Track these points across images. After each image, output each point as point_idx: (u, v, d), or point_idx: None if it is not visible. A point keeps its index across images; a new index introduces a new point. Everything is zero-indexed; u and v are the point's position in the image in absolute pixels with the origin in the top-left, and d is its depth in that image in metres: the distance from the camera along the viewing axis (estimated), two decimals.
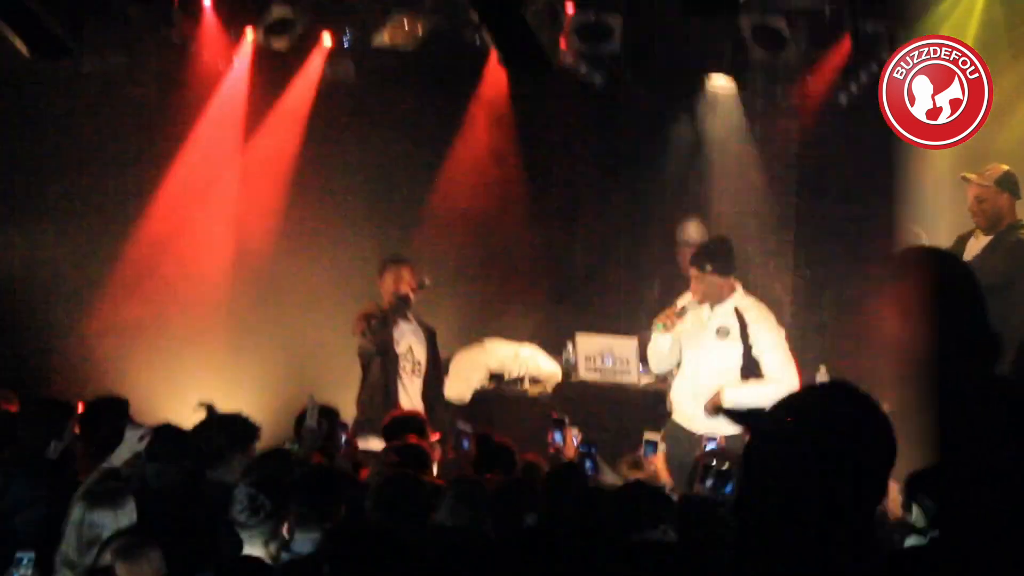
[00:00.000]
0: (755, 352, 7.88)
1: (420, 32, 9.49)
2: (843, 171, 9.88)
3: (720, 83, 9.71)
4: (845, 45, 9.41)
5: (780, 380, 7.78)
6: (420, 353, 8.80)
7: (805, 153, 9.96)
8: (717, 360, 7.96)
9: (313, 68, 10.25)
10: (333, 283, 10.04)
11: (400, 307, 8.68)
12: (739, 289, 8.01)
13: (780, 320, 9.55)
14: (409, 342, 8.78)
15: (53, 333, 9.92)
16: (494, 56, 9.64)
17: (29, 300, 9.91)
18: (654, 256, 9.53)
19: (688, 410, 8.08)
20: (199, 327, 10.33)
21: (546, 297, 9.18)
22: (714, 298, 7.99)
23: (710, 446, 7.32)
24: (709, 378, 7.97)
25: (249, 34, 9.99)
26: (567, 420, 7.47)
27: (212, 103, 10.34)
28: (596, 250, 10.11)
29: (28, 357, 9.63)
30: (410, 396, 8.71)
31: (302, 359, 10.02)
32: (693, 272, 7.97)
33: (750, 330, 7.89)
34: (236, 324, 10.36)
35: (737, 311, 7.94)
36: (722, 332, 7.95)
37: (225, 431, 6.35)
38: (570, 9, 9.22)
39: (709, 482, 6.36)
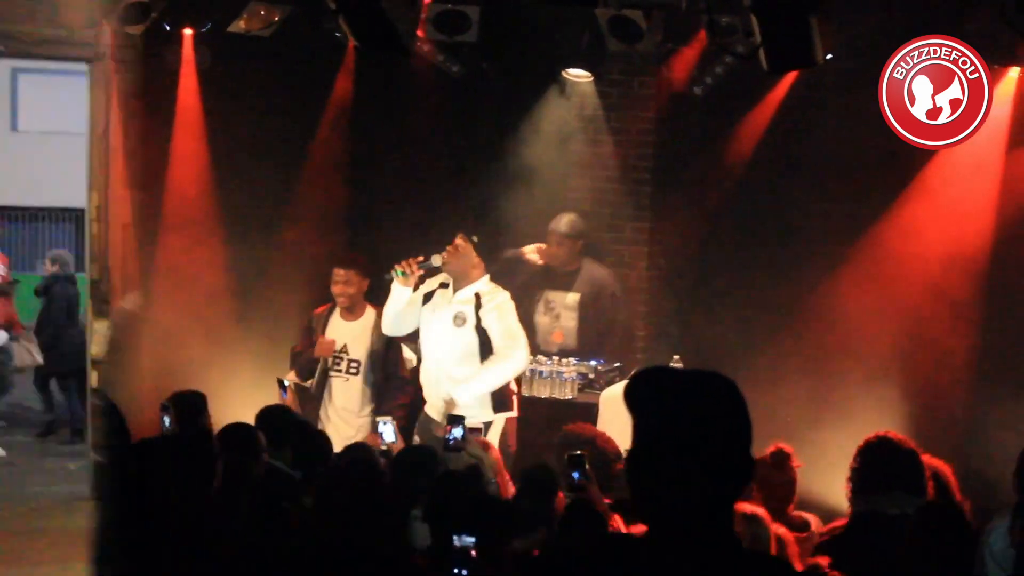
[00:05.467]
0: (489, 333, 8.05)
1: (276, 19, 9.39)
2: (698, 161, 10.01)
3: (577, 74, 9.76)
4: (701, 38, 9.51)
5: (509, 357, 7.99)
6: (357, 351, 8.63)
7: (660, 143, 10.07)
8: (456, 348, 8.09)
9: (185, 54, 10.10)
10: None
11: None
12: (486, 278, 8.21)
13: (634, 309, 9.70)
14: (344, 341, 8.64)
15: None
16: (351, 45, 9.59)
17: None
18: (508, 247, 9.57)
19: (435, 400, 8.20)
20: None
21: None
22: (460, 271, 8.16)
23: (455, 432, 7.05)
24: (451, 366, 8.11)
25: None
26: (390, 417, 7.55)
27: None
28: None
29: None
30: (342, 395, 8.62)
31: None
32: (460, 238, 8.17)
33: (481, 312, 8.05)
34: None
35: (477, 296, 8.11)
36: (459, 319, 8.12)
37: None
38: None
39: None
